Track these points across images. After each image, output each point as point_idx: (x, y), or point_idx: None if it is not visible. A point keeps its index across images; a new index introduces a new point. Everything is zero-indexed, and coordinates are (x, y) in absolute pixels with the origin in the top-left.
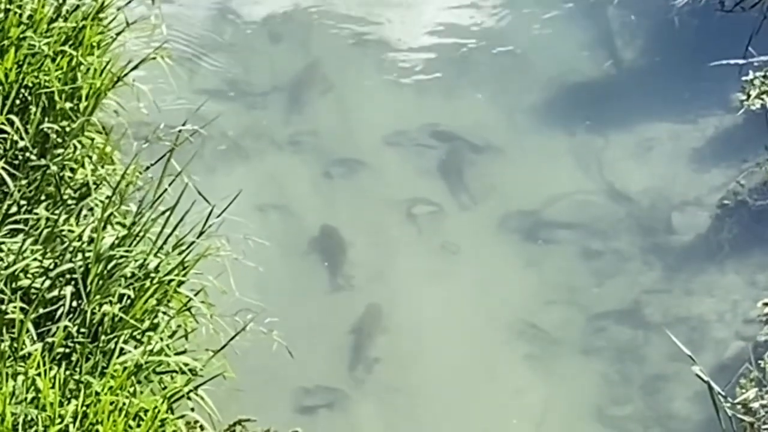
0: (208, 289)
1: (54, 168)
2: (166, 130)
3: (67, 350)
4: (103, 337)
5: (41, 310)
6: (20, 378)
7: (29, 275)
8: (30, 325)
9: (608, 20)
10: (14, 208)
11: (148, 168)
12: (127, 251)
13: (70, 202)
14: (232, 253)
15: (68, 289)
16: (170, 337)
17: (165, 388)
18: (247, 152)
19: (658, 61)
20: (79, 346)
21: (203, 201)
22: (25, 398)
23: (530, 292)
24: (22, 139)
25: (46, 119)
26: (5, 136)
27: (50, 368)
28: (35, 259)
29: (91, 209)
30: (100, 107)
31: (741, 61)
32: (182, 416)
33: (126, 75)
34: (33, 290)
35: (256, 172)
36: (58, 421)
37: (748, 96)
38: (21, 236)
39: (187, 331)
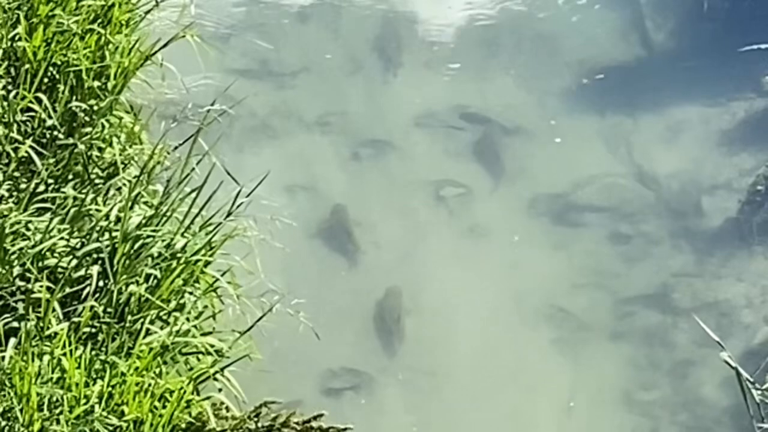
0: (235, 269)
1: (82, 147)
2: (195, 110)
3: (93, 330)
4: (129, 318)
5: (67, 290)
6: (46, 358)
7: (56, 254)
8: (56, 305)
9: (639, 3)
10: (42, 187)
11: (176, 148)
12: (154, 231)
13: (97, 181)
14: (259, 234)
15: (95, 269)
16: (197, 317)
17: (191, 369)
18: (276, 132)
19: (689, 44)
20: (105, 326)
21: (231, 181)
22: (51, 378)
23: (558, 275)
24: (50, 117)
25: (74, 98)
26: (33, 114)
27: (76, 348)
28: (62, 239)
29: (119, 189)
30: (128, 86)
31: None
32: (208, 397)
33: (154, 54)
34: (60, 269)
35: (284, 152)
36: (83, 401)
37: None
38: (48, 215)
39: (213, 312)
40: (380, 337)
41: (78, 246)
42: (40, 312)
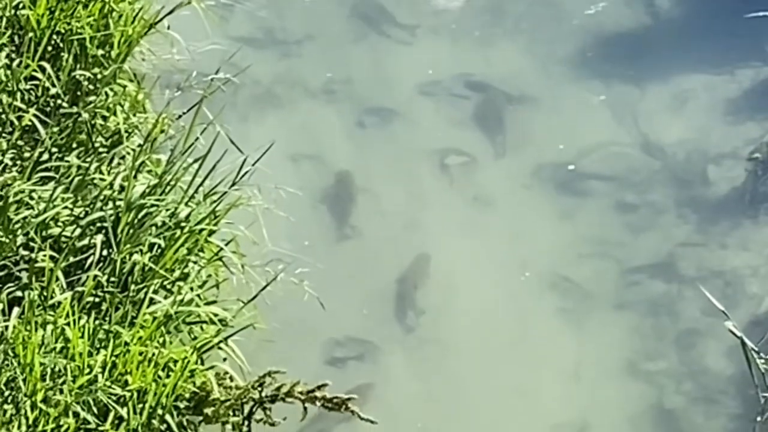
0: (239, 238)
1: (86, 115)
2: (199, 78)
3: (97, 300)
4: (132, 287)
5: (71, 259)
6: (49, 327)
7: (60, 223)
8: (60, 274)
9: None
10: (45, 156)
11: (180, 116)
12: (158, 200)
13: (101, 150)
14: (264, 203)
15: (98, 238)
16: (200, 287)
17: (195, 338)
18: (281, 101)
19: (695, 12)
20: (109, 295)
21: (235, 150)
22: (54, 348)
23: (563, 244)
24: (53, 86)
25: (78, 66)
26: (37, 82)
27: (79, 318)
28: (66, 208)
29: (123, 157)
30: (132, 54)
31: None
32: (212, 367)
33: (159, 22)
34: (63, 239)
35: (289, 120)
36: (86, 371)
37: None
38: (52, 184)
39: (217, 281)
40: (393, 305)
41: (82, 215)
42: (43, 281)
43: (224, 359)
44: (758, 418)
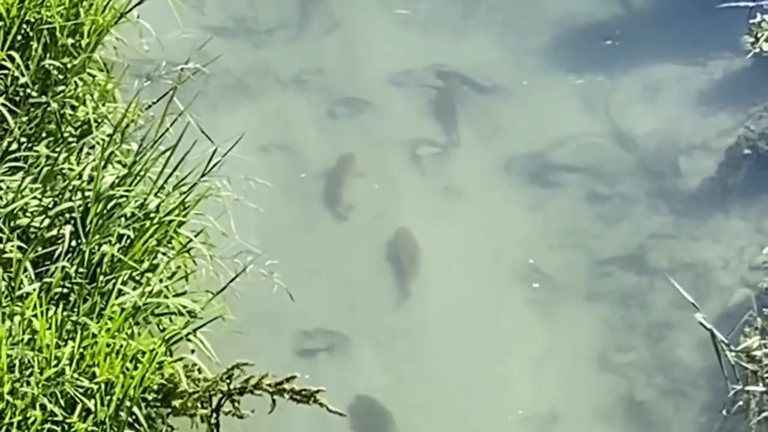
0: (209, 230)
1: (55, 105)
2: (169, 68)
3: (65, 291)
4: (101, 278)
5: (40, 250)
6: (17, 318)
7: (28, 214)
8: (28, 265)
9: None
10: (14, 146)
11: (150, 106)
12: (127, 191)
13: (70, 140)
14: (234, 194)
15: (67, 229)
16: (169, 278)
17: (163, 330)
18: (252, 91)
19: (668, 2)
20: (77, 286)
21: (205, 140)
22: (22, 339)
23: (534, 235)
24: (23, 75)
25: (48, 55)
26: (6, 72)
27: (47, 309)
28: (34, 198)
29: (92, 147)
30: (102, 44)
31: (751, 3)
32: (180, 359)
33: (129, 11)
34: (32, 229)
35: (259, 111)
36: (54, 362)
37: (757, 39)
38: (20, 174)
39: (186, 273)
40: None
41: (50, 205)
42: (11, 272)
43: (192, 351)
44: (724, 411)
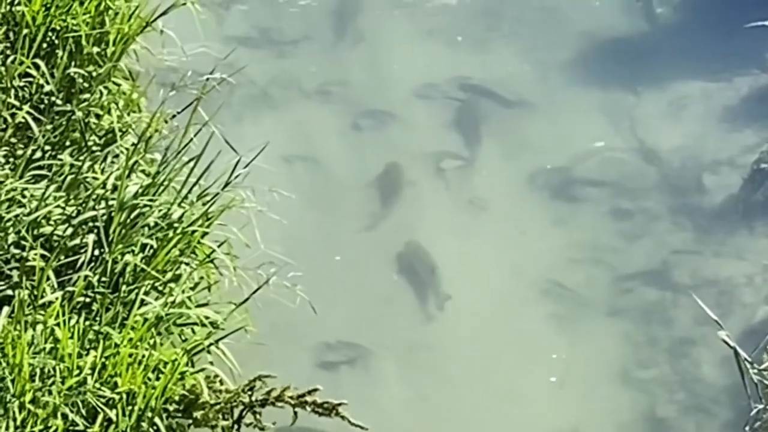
0: (232, 241)
1: (79, 114)
2: (194, 78)
3: (88, 300)
4: (124, 288)
5: (62, 259)
6: (39, 327)
7: (51, 222)
8: (51, 274)
9: None
10: (38, 154)
11: (174, 116)
12: (150, 200)
13: (94, 148)
14: (257, 205)
15: (90, 238)
16: (192, 289)
17: (185, 340)
18: (276, 101)
19: (694, 18)
20: (100, 296)
21: (229, 150)
22: (44, 348)
23: (557, 250)
24: (48, 83)
25: (73, 64)
26: (31, 80)
27: (70, 318)
28: (58, 206)
29: (116, 156)
30: (127, 53)
31: None
32: (202, 369)
33: (155, 20)
34: (55, 238)
35: (283, 122)
36: (76, 372)
37: None
38: (44, 182)
39: (209, 284)
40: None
41: (74, 214)
42: (34, 280)
43: (212, 363)
44: (747, 428)
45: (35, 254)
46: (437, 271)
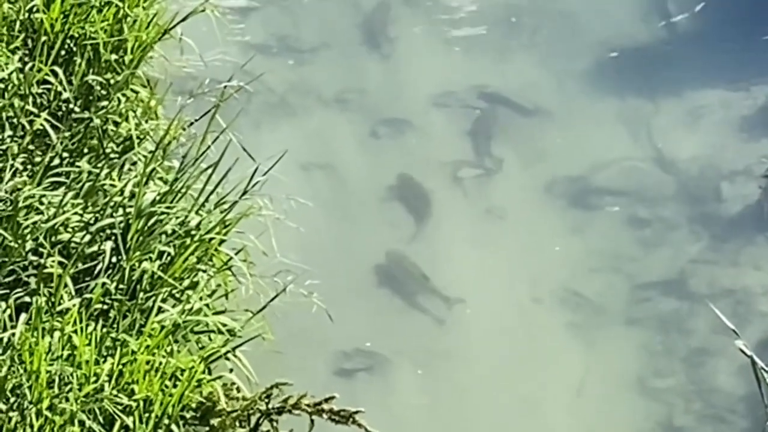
0: (249, 248)
1: (97, 121)
2: (212, 85)
3: (105, 307)
4: (141, 295)
5: (80, 266)
6: (57, 334)
7: (69, 229)
8: (68, 280)
9: None
10: (56, 161)
11: (192, 123)
12: (168, 208)
13: (112, 156)
14: (275, 213)
15: (108, 245)
16: (209, 296)
17: (202, 348)
18: (294, 109)
19: (712, 27)
20: (117, 303)
21: (247, 158)
22: (61, 355)
23: (575, 259)
24: (66, 90)
25: (91, 71)
26: (49, 87)
27: (87, 325)
28: (76, 213)
29: (134, 164)
30: (145, 60)
31: None
32: (219, 377)
33: (173, 28)
34: (72, 245)
35: (301, 129)
36: (93, 379)
37: None
38: (62, 189)
39: (226, 291)
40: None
41: (91, 221)
42: (51, 287)
43: (231, 370)
44: None
45: (53, 261)
46: (451, 281)
